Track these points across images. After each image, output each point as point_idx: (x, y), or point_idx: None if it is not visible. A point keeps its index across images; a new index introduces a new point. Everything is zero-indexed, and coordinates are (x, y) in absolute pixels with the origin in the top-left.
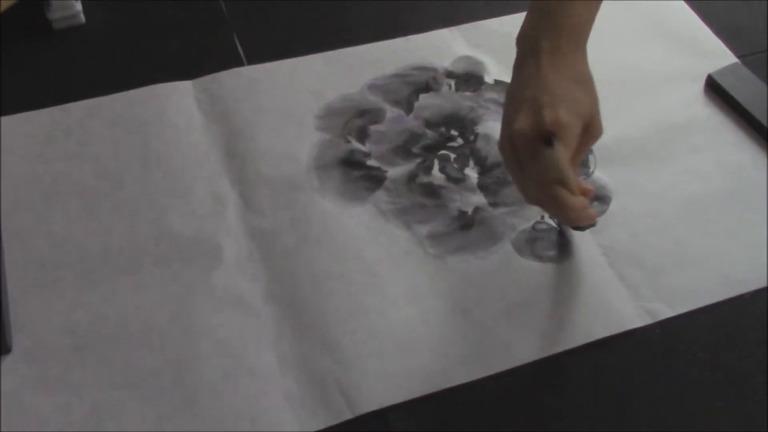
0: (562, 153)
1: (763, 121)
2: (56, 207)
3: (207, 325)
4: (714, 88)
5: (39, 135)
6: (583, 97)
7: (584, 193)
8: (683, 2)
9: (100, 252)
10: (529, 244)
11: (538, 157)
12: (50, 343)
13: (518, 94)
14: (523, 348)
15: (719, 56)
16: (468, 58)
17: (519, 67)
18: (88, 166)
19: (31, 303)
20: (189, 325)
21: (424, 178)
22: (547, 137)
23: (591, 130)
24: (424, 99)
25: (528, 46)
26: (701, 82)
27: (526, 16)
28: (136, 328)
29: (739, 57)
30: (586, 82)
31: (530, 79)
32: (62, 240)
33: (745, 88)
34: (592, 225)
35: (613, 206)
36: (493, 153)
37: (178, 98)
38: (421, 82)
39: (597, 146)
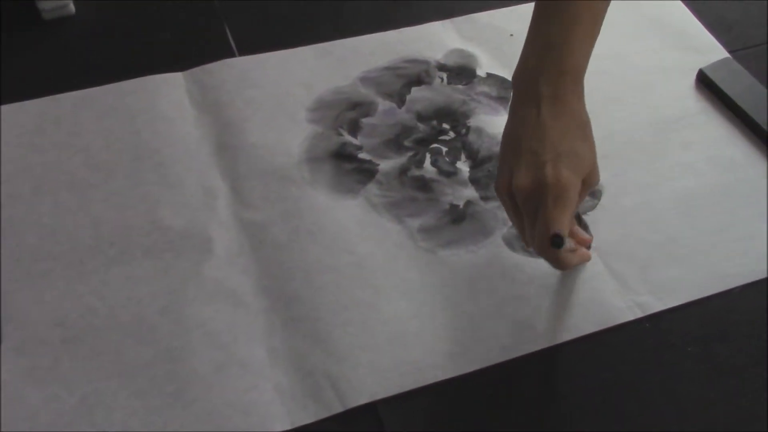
0: (561, 212)
1: (754, 116)
2: (46, 197)
3: (198, 318)
4: (705, 83)
5: (29, 125)
6: (584, 150)
7: (581, 242)
8: None
9: (91, 243)
10: (520, 238)
11: (537, 213)
12: (39, 335)
13: (517, 143)
14: (513, 342)
15: (710, 51)
16: (460, 51)
17: (516, 110)
18: (78, 157)
19: (20, 294)
20: (180, 318)
21: (415, 172)
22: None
23: (589, 179)
24: (416, 92)
25: (526, 89)
26: (693, 77)
27: (525, 43)
28: (127, 320)
29: (730, 52)
30: (585, 128)
31: (529, 127)
32: (52, 231)
33: (736, 83)
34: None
35: (604, 200)
36: (484, 146)
37: (169, 90)
38: (413, 75)
39: None
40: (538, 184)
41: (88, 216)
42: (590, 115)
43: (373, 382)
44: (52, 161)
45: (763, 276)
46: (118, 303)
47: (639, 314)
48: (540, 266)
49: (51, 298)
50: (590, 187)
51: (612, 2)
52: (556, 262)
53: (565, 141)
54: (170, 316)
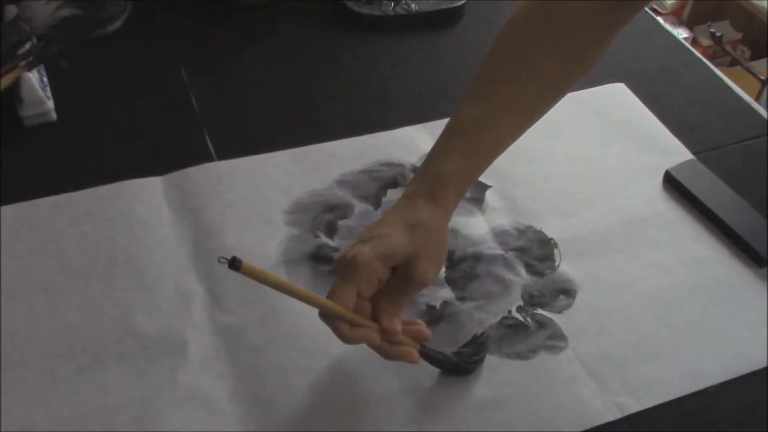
0: (342, 284)
1: (720, 214)
2: (20, 303)
3: (171, 425)
4: (672, 184)
5: (5, 230)
6: (401, 240)
7: (416, 336)
8: (641, 103)
9: (63, 350)
10: (497, 340)
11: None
12: None
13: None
14: None
15: (676, 153)
16: None
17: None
18: (53, 263)
19: None
20: (153, 426)
21: None
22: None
23: (408, 276)
24: (392, 194)
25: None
26: (659, 178)
27: None
28: (98, 429)
29: (694, 153)
30: (418, 228)
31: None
32: (24, 338)
33: (702, 183)
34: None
35: (579, 299)
36: (460, 247)
37: (148, 194)
38: (388, 178)
39: (562, 240)
40: (344, 259)
41: (61, 322)
42: (563, 216)
43: None
44: (27, 267)
45: (737, 375)
46: (88, 412)
47: (618, 415)
48: (517, 368)
49: (20, 407)
50: (412, 284)
51: (581, 108)
52: (333, 330)
53: (387, 229)
54: (143, 425)
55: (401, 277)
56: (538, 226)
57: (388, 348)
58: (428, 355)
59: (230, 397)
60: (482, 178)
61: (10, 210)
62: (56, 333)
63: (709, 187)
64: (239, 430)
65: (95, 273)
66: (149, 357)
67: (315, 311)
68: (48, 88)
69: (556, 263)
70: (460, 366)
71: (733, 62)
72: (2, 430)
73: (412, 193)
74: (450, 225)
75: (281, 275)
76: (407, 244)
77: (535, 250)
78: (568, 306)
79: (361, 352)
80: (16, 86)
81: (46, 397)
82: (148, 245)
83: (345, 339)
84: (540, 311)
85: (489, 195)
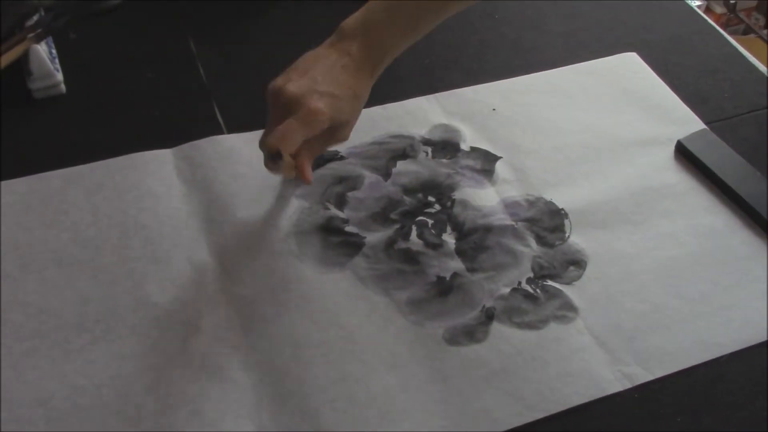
0: (297, 132)
1: (732, 184)
2: (33, 275)
3: (185, 395)
4: (684, 154)
5: (17, 203)
6: (347, 108)
7: (303, 176)
8: (653, 72)
9: (77, 321)
10: (507, 310)
11: (280, 121)
12: (22, 416)
13: (303, 62)
14: (502, 415)
15: (688, 123)
16: (444, 126)
17: (327, 45)
18: (65, 234)
19: (2, 374)
20: (166, 396)
21: (402, 244)
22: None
23: (337, 132)
24: (401, 165)
25: (346, 36)
26: (671, 148)
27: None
28: (112, 399)
29: (706, 123)
30: (360, 99)
31: (326, 64)
32: (38, 309)
33: (714, 154)
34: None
35: (589, 270)
36: (470, 219)
37: (158, 166)
38: (398, 149)
39: (572, 210)
40: (297, 99)
41: (74, 293)
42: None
43: None
44: (39, 239)
45: (748, 345)
46: (103, 382)
47: (627, 385)
48: (527, 338)
49: (35, 377)
50: (335, 139)
51: (592, 78)
52: (267, 166)
53: (336, 87)
54: (156, 395)
55: (327, 133)
56: (548, 197)
57: (286, 169)
58: None
59: (243, 367)
60: (493, 150)
61: (21, 183)
62: (69, 304)
63: (721, 157)
64: (252, 400)
65: (107, 244)
66: (162, 327)
67: (324, 281)
68: (57, 61)
69: (567, 234)
70: None
71: (747, 30)
72: (18, 399)
73: (359, 58)
74: (461, 196)
75: (292, 246)
76: (350, 113)
77: (546, 221)
78: (579, 277)
79: (372, 322)
80: (24, 59)
81: (61, 367)
82: (159, 217)
83: (275, 170)
84: (550, 282)
85: (499, 166)
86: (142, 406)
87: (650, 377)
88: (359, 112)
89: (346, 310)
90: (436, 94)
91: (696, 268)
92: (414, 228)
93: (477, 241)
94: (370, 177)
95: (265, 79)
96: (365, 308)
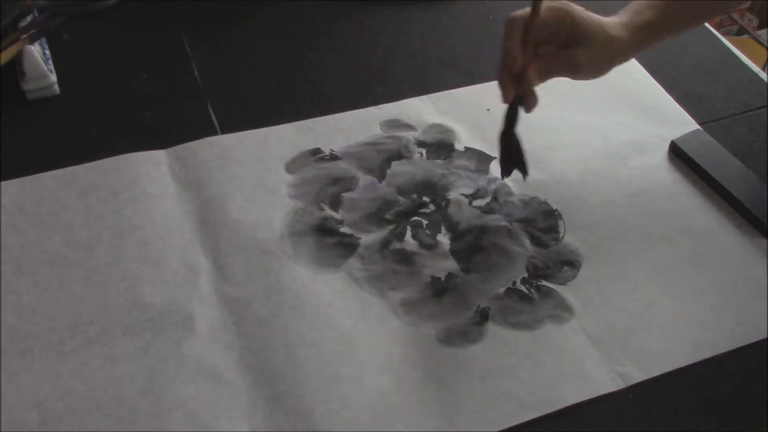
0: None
1: (726, 185)
2: (26, 277)
3: (178, 397)
4: (678, 154)
5: (9, 205)
6: (586, 16)
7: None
8: (646, 72)
9: (71, 323)
10: (502, 311)
11: (539, 48)
12: (16, 418)
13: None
14: (497, 415)
15: (682, 123)
16: (438, 126)
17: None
18: (59, 236)
19: None
20: (160, 397)
21: (397, 245)
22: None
23: (570, 59)
24: (396, 166)
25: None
26: (665, 148)
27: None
28: (106, 400)
29: (700, 124)
30: (611, 43)
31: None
32: (31, 311)
33: (708, 154)
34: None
35: (584, 271)
36: (464, 219)
37: (152, 167)
38: (393, 150)
39: (566, 211)
40: (579, 37)
41: (68, 295)
42: (568, 187)
43: None
44: (33, 240)
45: (741, 344)
46: (97, 383)
47: (622, 385)
48: (522, 338)
49: (28, 379)
50: (571, 66)
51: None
52: (503, 87)
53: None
54: (150, 396)
55: (563, 56)
56: (542, 197)
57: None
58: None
59: (237, 368)
60: (487, 150)
61: (14, 184)
62: (63, 305)
63: (715, 157)
64: (246, 401)
65: (101, 245)
66: (156, 329)
67: (319, 282)
68: (50, 62)
69: (561, 235)
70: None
71: (740, 31)
72: (12, 401)
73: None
74: (455, 197)
75: (286, 247)
76: (587, 22)
77: (540, 221)
78: (573, 277)
79: (366, 323)
80: (18, 60)
81: (54, 369)
82: (153, 218)
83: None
84: (545, 283)
85: (494, 166)
86: (135, 408)
87: (644, 377)
88: (602, 47)
89: (340, 311)
90: (431, 95)
91: (689, 268)
92: (409, 228)
93: (471, 241)
94: (364, 178)
95: (259, 79)
96: (360, 309)
